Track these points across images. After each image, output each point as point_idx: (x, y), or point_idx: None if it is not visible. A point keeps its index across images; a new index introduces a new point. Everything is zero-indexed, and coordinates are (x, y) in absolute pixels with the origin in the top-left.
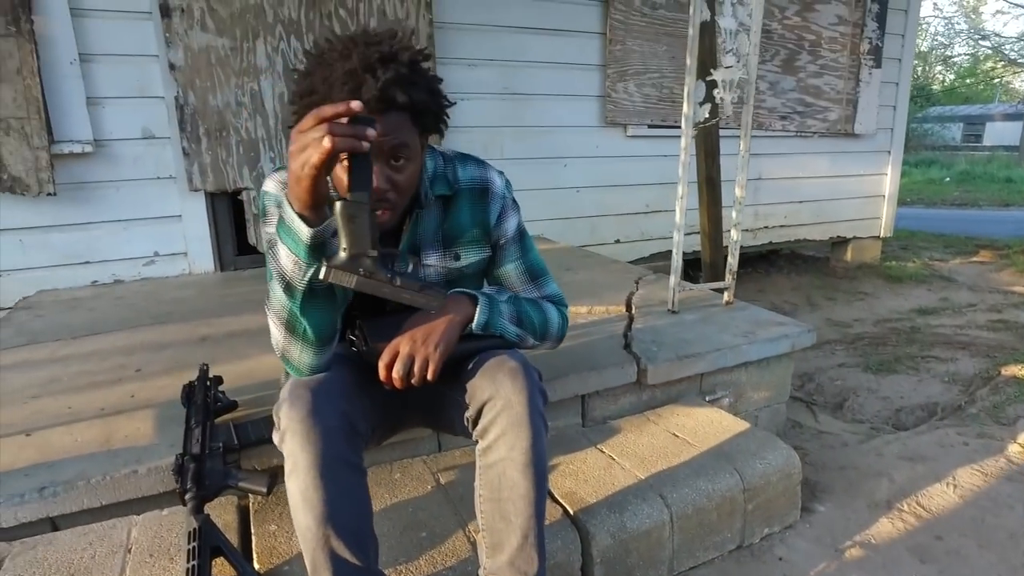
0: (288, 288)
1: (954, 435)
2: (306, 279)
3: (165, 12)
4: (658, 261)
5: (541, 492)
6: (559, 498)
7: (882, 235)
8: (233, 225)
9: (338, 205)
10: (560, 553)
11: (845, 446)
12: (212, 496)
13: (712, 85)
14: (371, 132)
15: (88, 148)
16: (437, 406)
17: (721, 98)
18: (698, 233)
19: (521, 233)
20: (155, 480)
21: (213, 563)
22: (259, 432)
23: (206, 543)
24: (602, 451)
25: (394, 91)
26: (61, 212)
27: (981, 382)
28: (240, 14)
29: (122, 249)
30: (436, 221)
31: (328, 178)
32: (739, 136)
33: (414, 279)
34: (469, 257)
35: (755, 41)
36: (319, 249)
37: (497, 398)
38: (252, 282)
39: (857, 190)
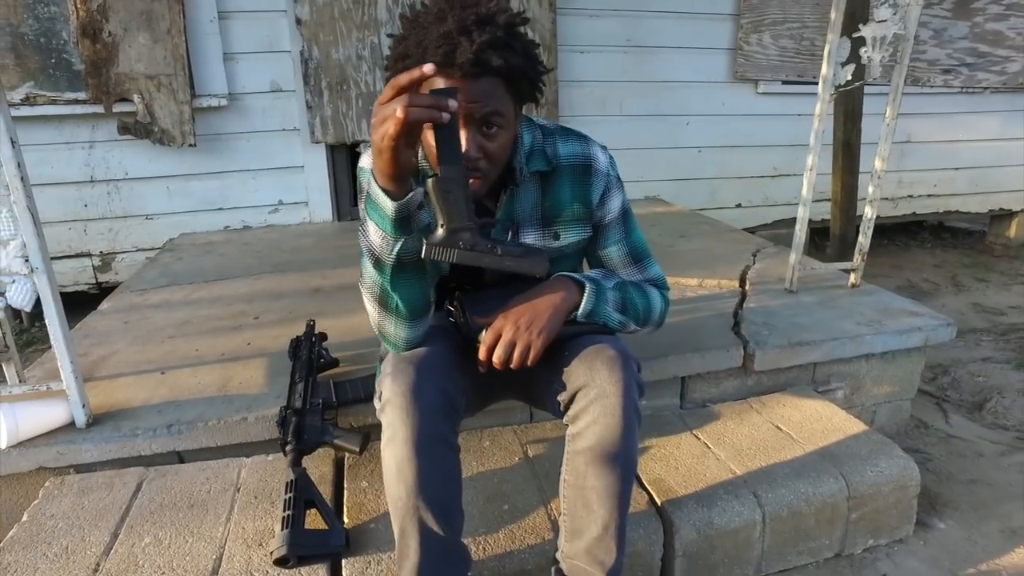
0: (378, 263)
1: None
2: (394, 253)
3: None
4: (781, 228)
5: (627, 485)
6: (647, 484)
7: None
8: (351, 176)
9: (429, 182)
10: (641, 542)
11: (980, 456)
12: (310, 450)
13: (859, 42)
14: (452, 103)
15: (223, 102)
16: (529, 384)
17: (869, 57)
18: (828, 200)
19: (625, 212)
20: (262, 428)
21: (307, 513)
22: (356, 392)
23: (301, 496)
24: (697, 437)
25: (489, 55)
26: (200, 162)
27: None
28: None
29: (250, 197)
30: (534, 198)
31: (420, 149)
32: (887, 96)
33: (515, 246)
34: (569, 236)
35: None
36: (405, 222)
37: (592, 386)
38: None
39: None
